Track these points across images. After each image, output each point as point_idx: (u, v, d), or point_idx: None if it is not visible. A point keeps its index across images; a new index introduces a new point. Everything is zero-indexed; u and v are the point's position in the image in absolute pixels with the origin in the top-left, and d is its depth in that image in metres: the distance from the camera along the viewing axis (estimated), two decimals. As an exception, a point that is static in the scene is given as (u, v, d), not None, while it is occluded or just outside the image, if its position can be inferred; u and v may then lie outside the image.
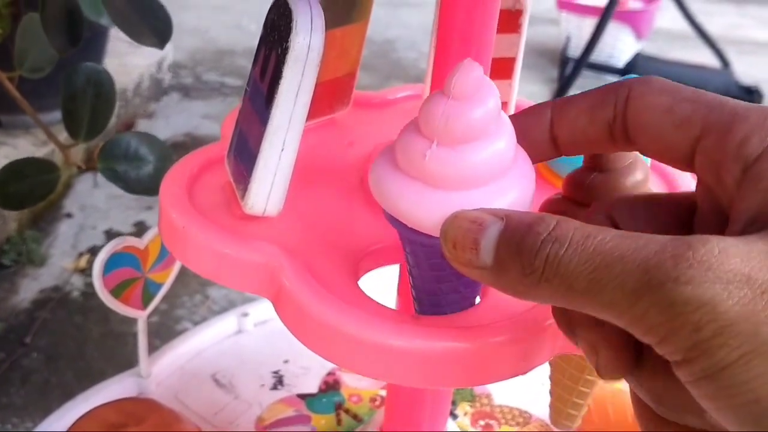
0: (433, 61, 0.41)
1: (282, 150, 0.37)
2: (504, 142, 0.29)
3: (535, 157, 0.31)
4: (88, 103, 0.61)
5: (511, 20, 0.47)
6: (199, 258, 0.38)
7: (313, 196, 0.43)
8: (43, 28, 0.54)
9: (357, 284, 0.36)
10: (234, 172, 0.41)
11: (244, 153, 0.39)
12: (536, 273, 0.24)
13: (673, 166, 0.28)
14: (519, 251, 0.25)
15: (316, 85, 0.46)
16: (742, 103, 0.26)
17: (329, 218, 0.41)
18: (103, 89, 0.62)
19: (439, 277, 0.32)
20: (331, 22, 0.45)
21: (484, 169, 0.28)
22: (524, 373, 0.34)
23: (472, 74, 0.28)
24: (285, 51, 0.36)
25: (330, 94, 0.49)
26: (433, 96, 0.29)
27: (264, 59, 0.39)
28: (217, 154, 0.44)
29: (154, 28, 0.56)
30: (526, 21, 0.47)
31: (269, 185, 0.38)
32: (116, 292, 0.56)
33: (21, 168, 0.61)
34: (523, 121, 0.31)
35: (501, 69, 0.47)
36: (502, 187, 0.29)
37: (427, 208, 0.28)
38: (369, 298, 0.35)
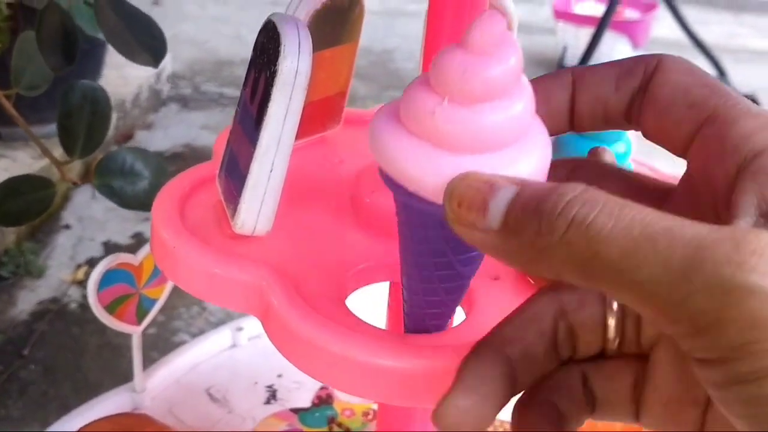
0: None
1: (271, 171, 0.38)
2: (522, 105, 0.26)
3: (550, 129, 0.28)
4: (84, 120, 0.62)
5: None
6: (189, 277, 0.38)
7: (302, 215, 0.43)
8: (38, 47, 0.55)
9: (344, 303, 0.37)
10: (225, 192, 0.41)
11: (235, 173, 0.40)
12: (556, 233, 0.21)
13: (669, 149, 0.27)
14: (538, 211, 0.22)
15: (307, 105, 0.47)
16: (757, 106, 0.25)
17: (318, 236, 0.42)
18: (98, 106, 0.63)
19: (436, 250, 0.29)
20: (320, 44, 0.46)
21: (499, 133, 0.25)
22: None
23: (495, 27, 0.25)
24: (273, 74, 0.37)
25: (321, 112, 0.50)
26: (448, 49, 0.26)
27: (254, 81, 0.39)
28: (209, 173, 0.45)
29: (148, 46, 0.56)
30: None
31: (258, 205, 0.39)
32: (111, 308, 0.56)
33: (17, 185, 0.62)
34: (543, 85, 0.29)
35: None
36: (516, 154, 0.26)
37: (433, 172, 0.25)
38: (355, 316, 0.35)
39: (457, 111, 0.25)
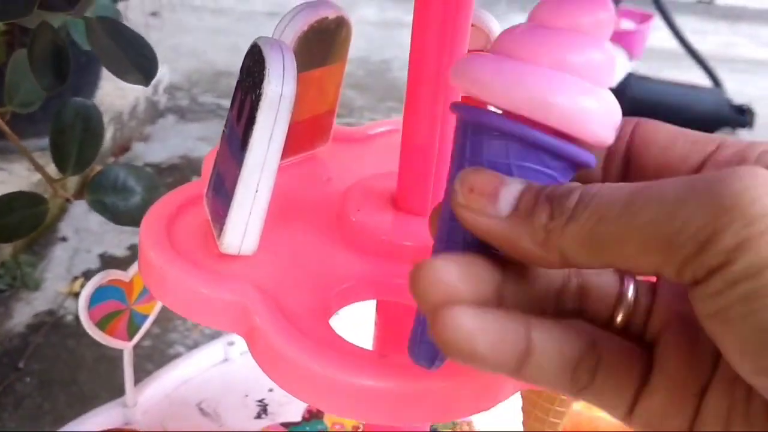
0: (406, 98, 0.43)
1: (256, 192, 0.39)
2: (592, 55, 0.27)
3: None
4: (76, 138, 0.63)
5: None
6: (175, 296, 0.39)
7: (289, 233, 0.44)
8: (30, 66, 0.56)
9: (328, 322, 0.37)
10: (212, 211, 0.42)
11: (221, 192, 0.41)
12: (565, 214, 0.23)
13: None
14: (550, 198, 0.24)
15: (296, 123, 0.48)
16: None
17: (304, 255, 0.42)
18: (91, 123, 0.64)
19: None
20: (309, 64, 0.46)
21: (567, 58, 0.26)
22: (488, 408, 0.35)
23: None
24: (258, 98, 0.37)
25: (309, 131, 0.51)
26: None
27: (240, 103, 0.40)
28: (197, 192, 0.46)
29: (140, 66, 0.57)
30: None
31: (244, 225, 0.39)
32: (102, 324, 0.57)
33: (10, 201, 0.62)
34: None
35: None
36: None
37: (504, 75, 0.26)
38: (338, 336, 0.36)
39: (538, 29, 0.27)
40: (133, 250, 1.34)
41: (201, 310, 0.38)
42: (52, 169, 0.66)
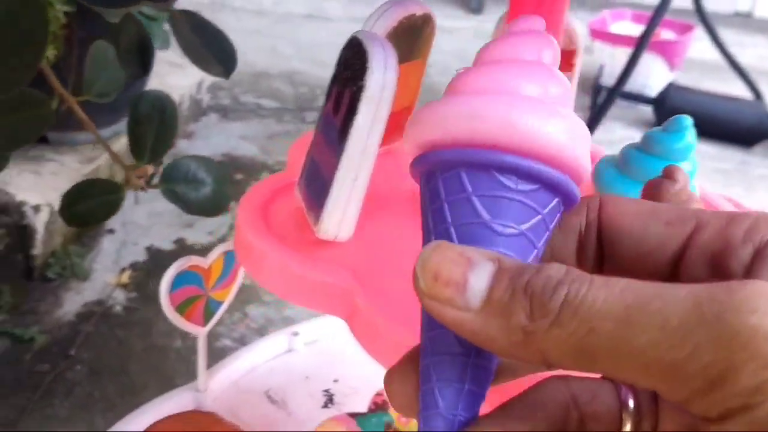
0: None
1: (355, 180, 0.40)
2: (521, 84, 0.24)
3: None
4: (153, 128, 0.64)
5: (565, 59, 0.49)
6: (274, 278, 0.40)
7: (376, 223, 0.45)
8: (117, 57, 0.57)
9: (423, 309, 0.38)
10: (306, 199, 0.43)
11: (317, 181, 0.42)
12: (548, 317, 0.20)
13: (649, 275, 0.25)
14: (527, 291, 0.20)
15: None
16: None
17: (392, 243, 0.44)
18: (166, 114, 0.65)
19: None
20: (395, 59, 0.48)
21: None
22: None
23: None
24: (360, 89, 0.39)
25: (390, 126, 0.52)
26: None
27: (337, 96, 0.41)
28: (285, 181, 0.47)
29: (220, 59, 0.59)
30: (580, 60, 0.49)
31: (342, 212, 0.40)
32: (181, 308, 0.58)
33: (87, 188, 0.64)
34: None
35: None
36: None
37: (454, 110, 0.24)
38: (436, 321, 0.37)
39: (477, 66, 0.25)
40: (180, 244, 1.36)
41: (300, 291, 0.39)
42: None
